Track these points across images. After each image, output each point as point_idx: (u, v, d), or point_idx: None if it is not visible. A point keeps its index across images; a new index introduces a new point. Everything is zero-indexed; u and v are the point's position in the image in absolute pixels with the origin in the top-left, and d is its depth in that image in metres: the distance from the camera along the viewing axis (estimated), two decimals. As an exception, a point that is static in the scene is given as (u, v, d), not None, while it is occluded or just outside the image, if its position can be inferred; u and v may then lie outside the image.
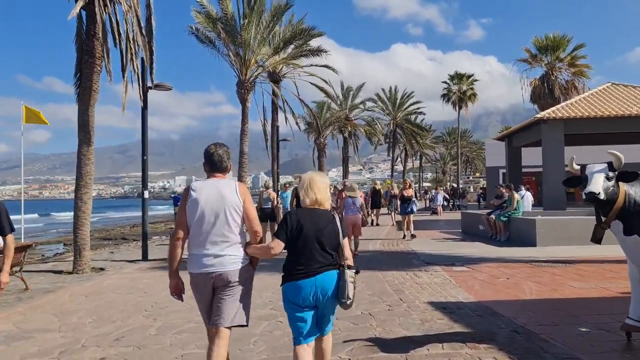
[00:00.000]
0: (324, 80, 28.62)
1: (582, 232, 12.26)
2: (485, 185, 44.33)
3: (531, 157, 31.30)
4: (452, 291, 7.22)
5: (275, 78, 26.54)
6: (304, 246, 3.37)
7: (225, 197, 3.46)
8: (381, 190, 23.87)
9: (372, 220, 22.18)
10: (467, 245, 12.97)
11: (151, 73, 11.08)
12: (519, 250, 11.54)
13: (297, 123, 25.66)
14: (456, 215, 26.83)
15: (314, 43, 24.64)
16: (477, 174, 72.43)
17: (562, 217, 13.26)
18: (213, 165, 3.58)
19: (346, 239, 3.56)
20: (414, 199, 14.93)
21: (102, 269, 10.98)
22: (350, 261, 3.50)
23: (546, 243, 11.90)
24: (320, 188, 3.53)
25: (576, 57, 29.55)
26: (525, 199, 15.28)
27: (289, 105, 25.47)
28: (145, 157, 12.26)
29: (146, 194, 12.30)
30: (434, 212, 29.20)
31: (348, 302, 3.36)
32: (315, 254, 3.36)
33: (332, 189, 15.57)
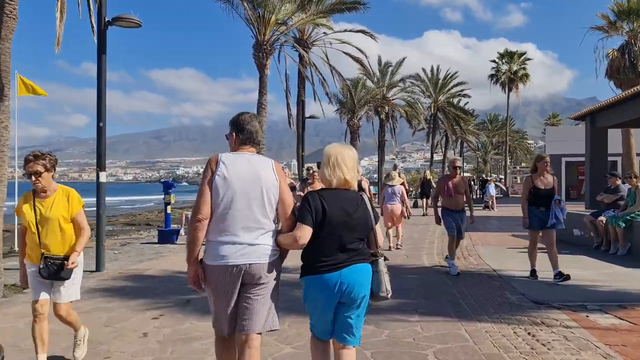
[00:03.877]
0: (359, 50, 24.47)
1: None
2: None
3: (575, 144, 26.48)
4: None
5: (302, 44, 22.49)
6: (329, 234, 2.88)
7: (262, 176, 2.89)
8: (431, 179, 19.92)
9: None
10: (572, 261, 8.72)
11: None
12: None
13: (327, 94, 21.59)
14: (513, 210, 22.38)
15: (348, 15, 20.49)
16: (524, 164, 66.79)
17: None
18: (247, 135, 3.00)
19: (378, 224, 3.05)
20: (558, 197, 7.05)
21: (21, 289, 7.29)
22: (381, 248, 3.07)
23: None
24: (349, 165, 2.98)
25: (666, 22, 24.37)
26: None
27: (320, 73, 21.37)
28: (101, 124, 8.43)
29: (103, 177, 8.48)
30: (487, 205, 24.79)
31: (388, 295, 3.01)
32: (342, 243, 2.89)
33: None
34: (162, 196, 12.81)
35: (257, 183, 2.87)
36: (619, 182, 9.94)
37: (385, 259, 3.08)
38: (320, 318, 2.98)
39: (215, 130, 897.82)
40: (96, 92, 8.45)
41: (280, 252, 3.01)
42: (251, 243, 2.85)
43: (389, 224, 10.44)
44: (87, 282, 7.52)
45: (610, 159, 27.17)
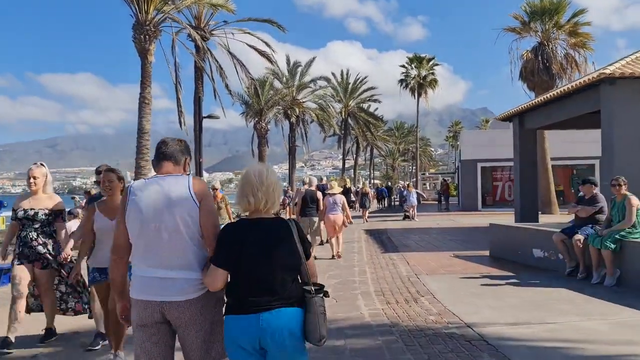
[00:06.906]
0: (266, 43, 21.69)
1: None
2: (450, 182, 38.99)
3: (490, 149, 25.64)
4: None
5: (199, 32, 19.25)
6: (249, 271, 2.41)
7: (174, 199, 2.52)
8: (352, 187, 17.52)
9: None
10: (556, 299, 6.41)
11: None
12: None
13: (227, 87, 18.50)
14: (435, 219, 20.64)
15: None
16: (432, 170, 67.44)
17: None
18: (158, 152, 2.68)
19: (311, 258, 2.59)
20: None
21: None
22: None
23: None
24: (255, 186, 2.48)
25: (578, 24, 24.03)
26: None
27: (219, 65, 18.27)
28: None
29: None
30: (407, 216, 22.88)
31: (321, 342, 2.46)
32: (264, 281, 2.40)
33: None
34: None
35: (169, 209, 2.51)
36: (596, 190, 7.88)
37: (325, 294, 2.53)
38: None
39: (117, 139, 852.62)
40: None
41: None
42: (169, 277, 2.49)
43: (332, 233, 10.58)
44: None
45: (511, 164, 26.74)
